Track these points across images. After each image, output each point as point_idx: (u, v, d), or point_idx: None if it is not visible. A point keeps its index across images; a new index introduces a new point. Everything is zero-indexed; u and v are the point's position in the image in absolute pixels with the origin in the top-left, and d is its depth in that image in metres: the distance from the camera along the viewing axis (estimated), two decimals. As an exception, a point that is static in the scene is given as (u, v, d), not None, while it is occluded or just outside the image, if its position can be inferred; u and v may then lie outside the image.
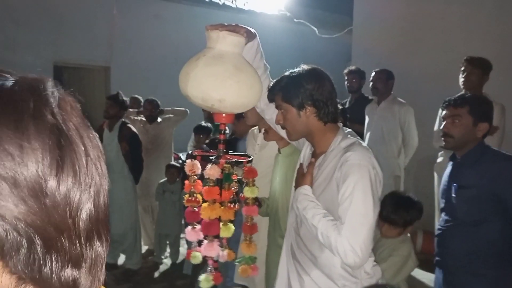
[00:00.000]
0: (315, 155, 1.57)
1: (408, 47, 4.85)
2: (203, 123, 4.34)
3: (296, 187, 1.56)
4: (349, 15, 6.37)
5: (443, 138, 2.12)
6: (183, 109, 4.78)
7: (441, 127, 2.13)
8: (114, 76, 6.98)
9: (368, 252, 1.37)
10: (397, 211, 2.11)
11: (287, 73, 1.55)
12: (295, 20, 8.46)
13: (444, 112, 2.14)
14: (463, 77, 3.43)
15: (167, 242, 4.23)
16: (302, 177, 1.55)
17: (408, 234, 2.25)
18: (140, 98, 5.01)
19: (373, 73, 4.11)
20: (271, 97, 1.57)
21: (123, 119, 4.00)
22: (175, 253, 4.20)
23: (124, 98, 4.04)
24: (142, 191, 4.41)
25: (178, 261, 4.16)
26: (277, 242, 2.02)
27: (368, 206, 1.36)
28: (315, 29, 8.28)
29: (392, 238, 2.16)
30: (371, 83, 4.12)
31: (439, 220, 2.31)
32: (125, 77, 6.84)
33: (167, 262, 4.22)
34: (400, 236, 2.16)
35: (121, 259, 4.19)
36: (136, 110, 4.80)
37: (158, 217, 4.28)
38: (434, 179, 3.80)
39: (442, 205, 2.25)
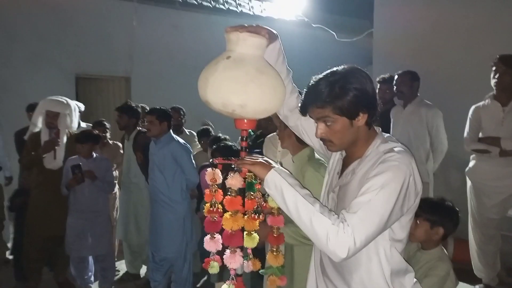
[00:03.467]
0: (347, 160, 1.46)
1: (432, 48, 4.71)
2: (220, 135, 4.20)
3: None
4: (367, 19, 6.23)
5: None
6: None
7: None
8: (134, 86, 7.03)
9: (362, 249, 1.23)
10: (427, 205, 1.92)
11: (322, 80, 1.33)
12: (313, 25, 8.38)
13: None
14: (496, 78, 3.27)
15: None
16: None
17: (445, 251, 2.04)
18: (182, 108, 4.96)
19: (396, 76, 3.96)
20: (311, 109, 1.36)
21: (139, 128, 3.98)
22: (196, 263, 4.11)
23: (133, 105, 4.02)
24: None
25: (197, 270, 4.02)
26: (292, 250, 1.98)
27: (385, 211, 1.23)
28: (334, 33, 8.18)
29: (418, 241, 1.99)
30: (395, 87, 3.97)
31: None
32: (146, 87, 6.88)
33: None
34: (433, 249, 1.99)
35: (144, 270, 4.18)
36: None
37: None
38: (467, 184, 3.65)
39: None
